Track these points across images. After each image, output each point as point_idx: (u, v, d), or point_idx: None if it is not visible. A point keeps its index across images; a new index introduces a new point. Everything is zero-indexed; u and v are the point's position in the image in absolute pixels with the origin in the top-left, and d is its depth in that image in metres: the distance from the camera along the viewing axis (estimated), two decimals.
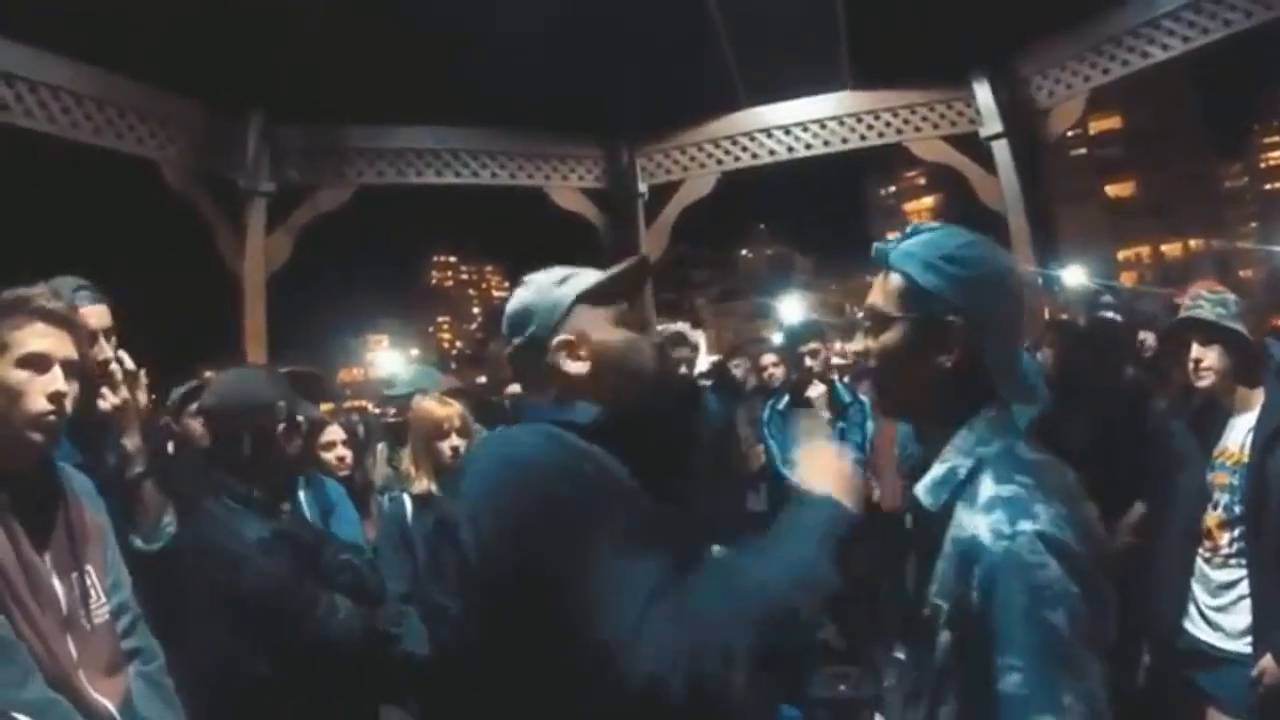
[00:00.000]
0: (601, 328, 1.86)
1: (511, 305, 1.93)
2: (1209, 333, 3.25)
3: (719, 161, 9.54)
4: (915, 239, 1.68)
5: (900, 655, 4.71)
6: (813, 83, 9.16)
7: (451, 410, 4.06)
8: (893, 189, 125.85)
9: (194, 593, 2.74)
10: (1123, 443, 4.13)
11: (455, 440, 3.98)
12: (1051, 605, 1.38)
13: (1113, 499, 4.00)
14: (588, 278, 1.91)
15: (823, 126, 9.34)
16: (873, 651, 5.29)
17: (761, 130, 9.44)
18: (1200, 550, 3.25)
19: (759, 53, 8.62)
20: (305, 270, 9.69)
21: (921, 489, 1.64)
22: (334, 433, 4.73)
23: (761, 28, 8.24)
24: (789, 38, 8.39)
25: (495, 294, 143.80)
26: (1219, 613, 3.16)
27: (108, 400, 2.78)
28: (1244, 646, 3.06)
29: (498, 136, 9.38)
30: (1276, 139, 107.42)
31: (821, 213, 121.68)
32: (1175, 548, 3.35)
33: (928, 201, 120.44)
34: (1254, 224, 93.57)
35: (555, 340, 1.83)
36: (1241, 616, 3.09)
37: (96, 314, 2.83)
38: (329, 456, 4.62)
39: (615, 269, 1.95)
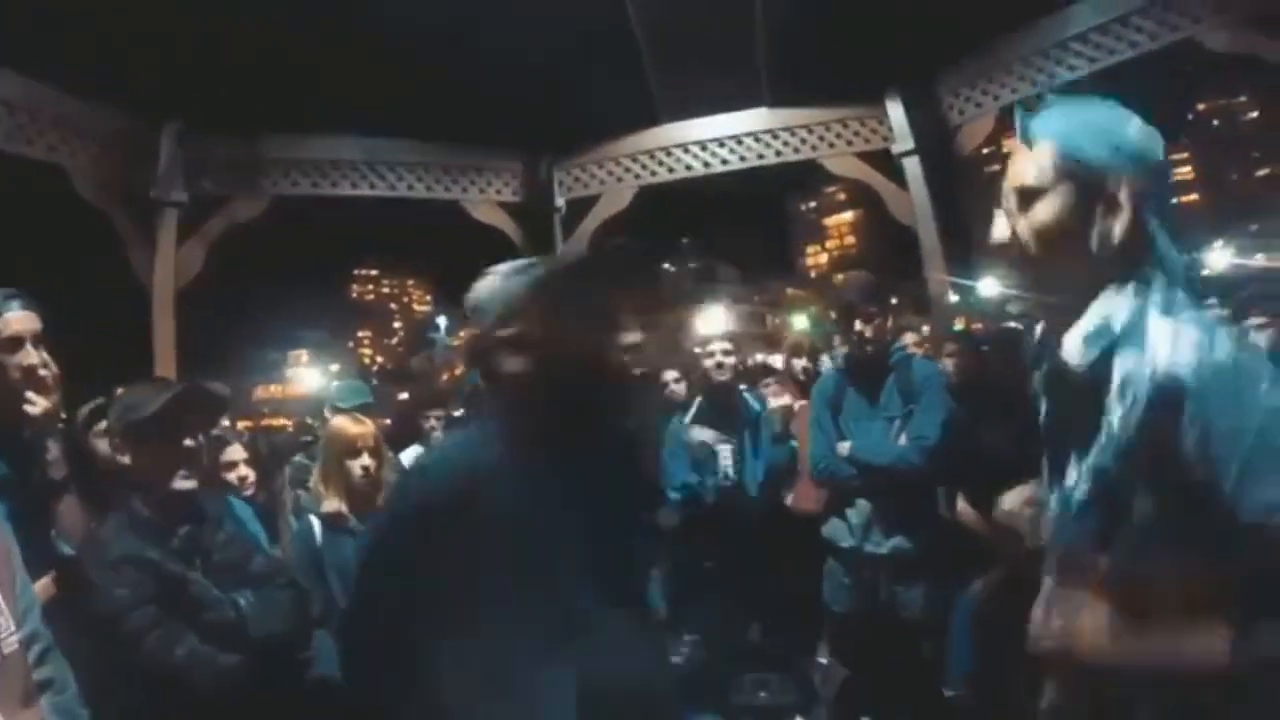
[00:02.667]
0: (560, 321, 1.65)
1: (467, 297, 1.76)
2: None
3: (636, 176, 9.56)
4: (1063, 111, 1.62)
5: (824, 660, 4.75)
6: (731, 100, 9.26)
7: (365, 429, 3.98)
8: (813, 204, 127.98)
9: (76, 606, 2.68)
10: (1028, 450, 4.25)
11: (367, 460, 3.87)
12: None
13: None
14: (548, 265, 1.76)
15: (739, 142, 9.44)
16: (798, 658, 5.34)
17: (679, 145, 9.50)
18: None
19: (678, 69, 8.68)
20: (225, 283, 9.50)
21: (1071, 348, 1.52)
22: (234, 452, 4.63)
23: (681, 44, 8.29)
24: (708, 54, 8.46)
25: (417, 308, 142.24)
26: None
27: (37, 405, 2.73)
28: None
29: (416, 149, 9.31)
30: (1184, 155, 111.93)
31: (743, 227, 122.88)
32: None
33: (847, 216, 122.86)
34: None
35: (497, 335, 1.67)
36: None
37: (25, 320, 2.77)
38: (230, 476, 4.51)
39: (580, 257, 1.75)
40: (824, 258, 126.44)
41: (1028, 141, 1.61)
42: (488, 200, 9.53)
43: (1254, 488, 1.29)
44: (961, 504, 4.32)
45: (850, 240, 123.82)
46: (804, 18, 8.04)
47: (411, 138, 9.28)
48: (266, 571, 3.01)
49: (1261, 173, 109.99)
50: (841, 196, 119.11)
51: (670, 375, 6.13)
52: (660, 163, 9.54)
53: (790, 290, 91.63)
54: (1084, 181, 1.52)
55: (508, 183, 9.62)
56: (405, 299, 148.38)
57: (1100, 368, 1.48)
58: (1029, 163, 1.59)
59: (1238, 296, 4.88)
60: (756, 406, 5.54)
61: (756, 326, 60.51)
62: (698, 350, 5.79)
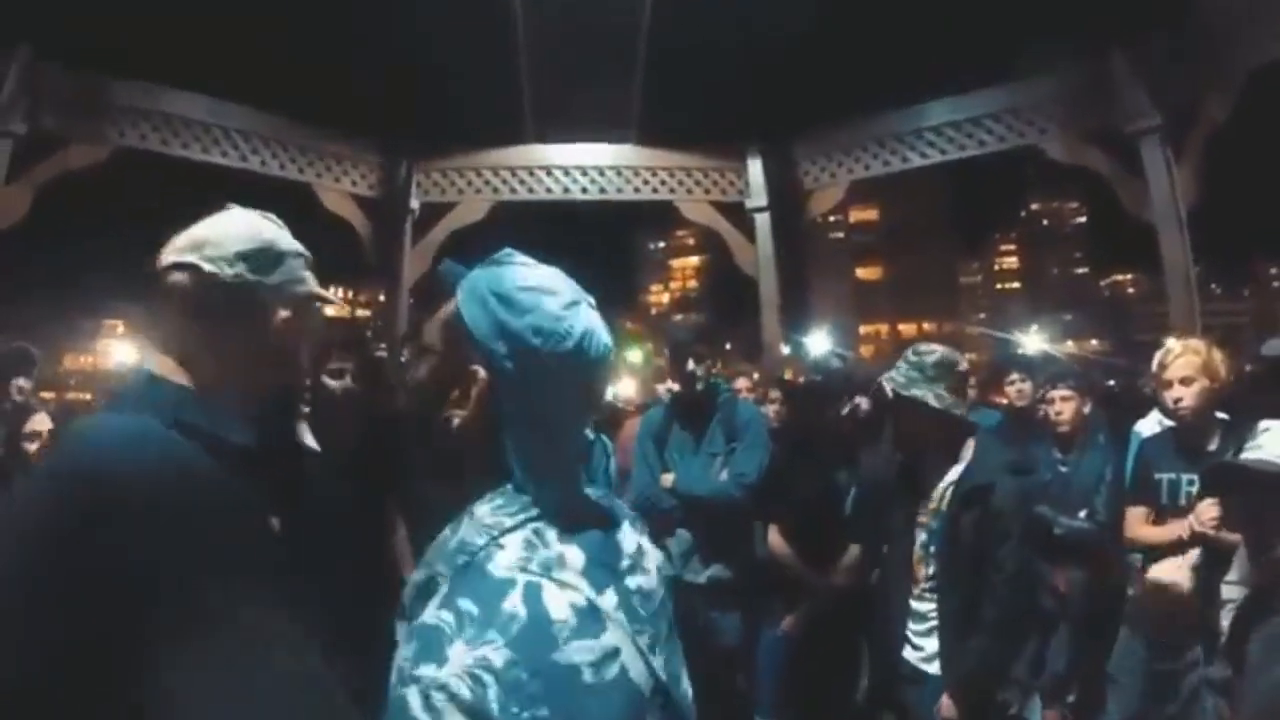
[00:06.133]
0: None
1: (250, 228, 1.56)
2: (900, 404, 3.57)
3: (495, 190, 9.57)
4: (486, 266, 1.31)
5: None
6: (601, 130, 9.42)
7: None
8: (662, 244, 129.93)
9: None
10: (839, 492, 4.46)
11: None
12: None
13: (831, 542, 4.34)
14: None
15: (601, 174, 9.61)
16: None
17: (542, 167, 9.58)
18: (910, 584, 3.59)
19: (556, 91, 8.77)
20: (43, 233, 8.94)
21: (406, 596, 1.24)
22: (40, 421, 4.22)
23: (563, 68, 8.40)
24: (588, 81, 8.60)
25: None
26: (920, 637, 3.50)
27: None
28: (936, 669, 3.40)
29: (274, 123, 8.94)
30: (1011, 247, 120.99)
31: (592, 257, 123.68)
32: (892, 582, 3.67)
33: (693, 261, 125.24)
34: (983, 315, 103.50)
35: (285, 312, 1.55)
36: (935, 641, 3.45)
37: None
38: (32, 449, 4.11)
39: (329, 295, 1.71)
40: (666, 297, 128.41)
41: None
42: (341, 190, 9.31)
43: None
44: (774, 537, 4.50)
45: (693, 283, 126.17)
46: (682, 67, 8.28)
47: (273, 111, 8.92)
48: None
49: (1080, 270, 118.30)
50: (690, 240, 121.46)
51: None
52: (521, 181, 9.58)
53: (630, 324, 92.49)
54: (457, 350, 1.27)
55: (364, 175, 9.44)
56: None
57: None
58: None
59: (1047, 373, 5.27)
60: (588, 436, 5.57)
61: None
62: None
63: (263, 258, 1.49)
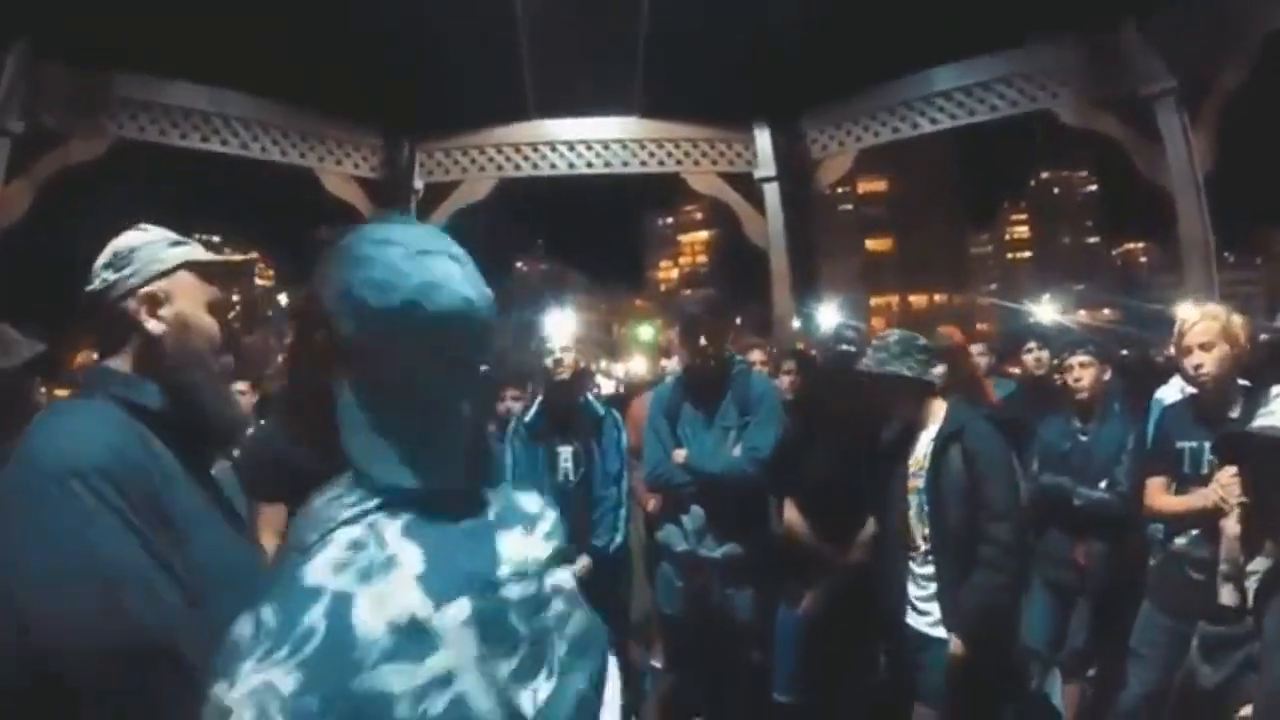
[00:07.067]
0: (194, 303, 1.73)
1: (115, 244, 1.75)
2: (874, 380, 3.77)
3: (499, 167, 9.50)
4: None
5: (656, 664, 4.79)
6: (605, 104, 9.33)
7: None
8: (670, 220, 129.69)
9: None
10: (855, 466, 4.39)
11: None
12: None
13: (849, 517, 4.28)
14: (200, 250, 1.83)
15: (606, 147, 9.51)
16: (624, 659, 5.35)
17: (546, 143, 9.49)
18: (910, 551, 3.59)
19: (557, 66, 8.70)
20: (46, 229, 8.91)
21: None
22: None
23: (564, 43, 8.33)
24: (590, 55, 8.53)
25: (259, 282, 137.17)
26: (924, 602, 3.53)
27: None
28: (943, 633, 3.44)
29: (275, 109, 8.91)
30: (1022, 216, 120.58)
31: (599, 235, 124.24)
32: (894, 551, 3.70)
33: (702, 235, 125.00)
34: (994, 285, 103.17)
35: (143, 290, 1.68)
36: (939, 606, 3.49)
37: None
38: None
39: (231, 257, 1.94)
40: (675, 273, 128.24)
41: None
42: (343, 173, 9.24)
43: None
44: (790, 512, 4.43)
45: (702, 259, 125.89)
46: (687, 37, 8.18)
47: (272, 98, 8.87)
48: None
49: (1091, 240, 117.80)
50: (698, 215, 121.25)
51: (509, 392, 6.06)
52: (525, 157, 9.50)
53: (639, 301, 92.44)
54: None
55: (366, 158, 9.37)
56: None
57: None
58: None
59: (1065, 340, 5.21)
60: (600, 410, 5.48)
61: (603, 334, 60.87)
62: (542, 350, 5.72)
63: (117, 260, 1.73)
